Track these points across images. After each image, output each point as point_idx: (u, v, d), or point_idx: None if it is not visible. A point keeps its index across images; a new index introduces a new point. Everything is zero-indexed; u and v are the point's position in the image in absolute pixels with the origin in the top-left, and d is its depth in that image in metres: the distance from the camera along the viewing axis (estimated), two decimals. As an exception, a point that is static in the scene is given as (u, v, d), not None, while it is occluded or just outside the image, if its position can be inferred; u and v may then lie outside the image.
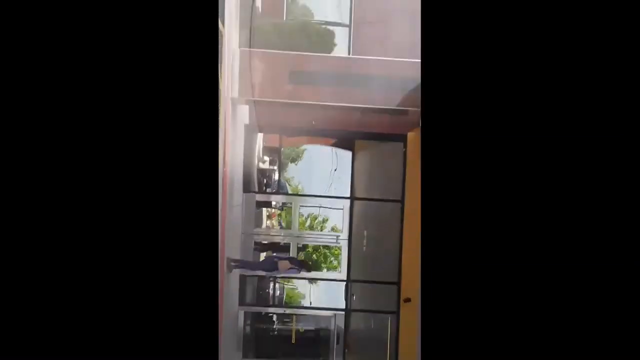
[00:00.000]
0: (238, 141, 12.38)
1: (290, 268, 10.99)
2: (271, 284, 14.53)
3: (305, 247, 14.64)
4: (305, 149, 14.68)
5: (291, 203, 14.27)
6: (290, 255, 13.32)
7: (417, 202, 4.42)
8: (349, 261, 14.01)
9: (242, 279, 13.63)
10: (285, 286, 14.79)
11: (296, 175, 14.66)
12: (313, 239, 14.52)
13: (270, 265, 11.16)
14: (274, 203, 14.55)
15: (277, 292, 14.64)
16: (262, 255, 14.41)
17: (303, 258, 14.33)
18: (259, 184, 14.29)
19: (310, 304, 14.58)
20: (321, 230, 14.63)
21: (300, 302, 14.57)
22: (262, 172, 14.41)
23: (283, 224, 14.70)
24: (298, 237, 14.22)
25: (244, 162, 13.17)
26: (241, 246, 13.81)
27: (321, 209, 14.45)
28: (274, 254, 12.85)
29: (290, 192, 14.54)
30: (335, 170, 14.10)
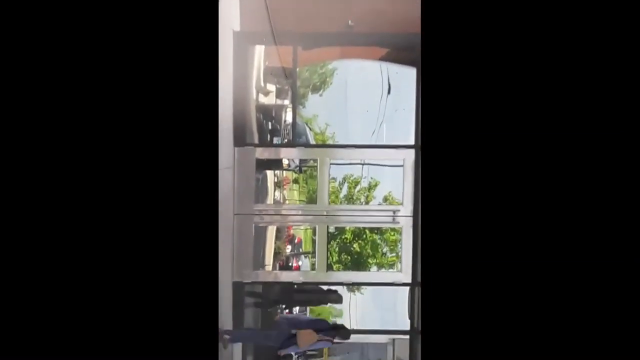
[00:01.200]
0: (224, 60, 9.11)
1: (320, 340, 7.77)
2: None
3: (341, 231, 10.53)
4: (335, 69, 10.74)
5: (316, 160, 9.99)
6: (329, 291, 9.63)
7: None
8: (415, 252, 9.78)
9: (239, 286, 9.63)
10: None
11: (322, 112, 10.66)
12: (353, 217, 10.05)
13: (285, 338, 7.82)
14: (286, 161, 10.45)
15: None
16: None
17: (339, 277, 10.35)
18: (261, 131, 10.35)
19: (352, 326, 10.23)
20: (367, 203, 10.49)
21: (334, 321, 10.07)
22: (265, 111, 10.40)
23: (302, 196, 10.70)
24: (328, 216, 9.88)
25: (234, 96, 9.64)
26: (235, 238, 9.72)
27: (366, 167, 10.30)
28: (285, 316, 9.26)
29: (313, 141, 10.57)
30: (388, 94, 10.16)
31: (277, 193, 10.60)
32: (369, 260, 10.59)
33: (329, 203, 10.10)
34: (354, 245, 10.60)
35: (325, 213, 10.04)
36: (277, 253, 10.58)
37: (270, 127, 10.49)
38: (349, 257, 10.43)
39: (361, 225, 10.45)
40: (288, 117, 10.36)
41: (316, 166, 10.14)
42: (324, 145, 10.40)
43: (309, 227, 10.52)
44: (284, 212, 10.32)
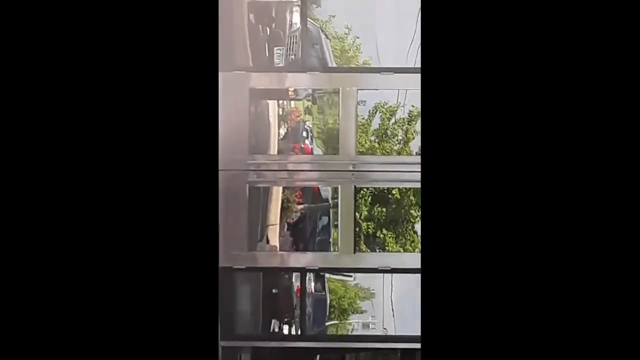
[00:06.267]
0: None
1: None
2: (294, 279, 8.27)
3: (375, 193, 8.24)
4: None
5: (338, 90, 8.09)
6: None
7: None
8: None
9: (228, 275, 7.89)
10: (329, 277, 8.37)
11: (341, 13, 8.25)
12: (393, 172, 8.14)
13: None
14: (291, 88, 8.28)
15: (311, 294, 8.28)
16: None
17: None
18: (255, 44, 8.40)
19: (384, 323, 8.36)
20: (407, 142, 8.23)
21: (360, 308, 8.51)
22: (261, 12, 8.19)
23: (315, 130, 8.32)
24: (356, 171, 8.07)
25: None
26: (221, 206, 7.06)
27: (409, 93, 8.05)
28: None
29: (330, 53, 8.42)
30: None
31: (282, 131, 8.33)
32: (412, 211, 8.31)
33: (358, 151, 8.17)
34: (393, 191, 8.35)
35: (352, 166, 8.14)
36: (284, 210, 8.41)
37: (268, 33, 8.22)
38: (384, 210, 8.21)
39: (407, 186, 8.14)
40: (295, 18, 8.13)
41: (338, 95, 8.26)
42: (349, 69, 8.18)
43: (328, 187, 8.28)
44: (290, 165, 8.21)
